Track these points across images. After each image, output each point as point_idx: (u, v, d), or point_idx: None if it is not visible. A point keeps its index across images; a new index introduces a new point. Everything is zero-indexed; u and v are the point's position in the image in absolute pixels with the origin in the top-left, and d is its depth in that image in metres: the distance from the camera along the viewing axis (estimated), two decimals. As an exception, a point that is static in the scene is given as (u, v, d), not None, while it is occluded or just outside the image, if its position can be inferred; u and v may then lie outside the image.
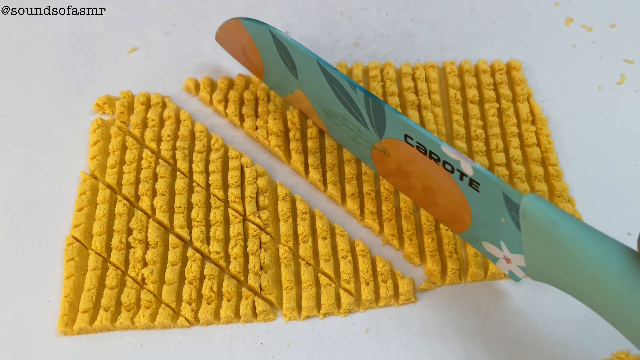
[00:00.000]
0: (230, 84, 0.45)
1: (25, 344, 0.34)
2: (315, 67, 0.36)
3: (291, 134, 0.41)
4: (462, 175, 0.31)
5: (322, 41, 0.49)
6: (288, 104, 0.43)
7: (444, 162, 0.32)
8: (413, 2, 0.51)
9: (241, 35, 0.41)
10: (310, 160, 0.40)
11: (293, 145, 0.41)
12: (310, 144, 0.41)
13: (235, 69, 0.47)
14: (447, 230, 0.37)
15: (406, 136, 0.33)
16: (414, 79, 0.45)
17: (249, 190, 0.39)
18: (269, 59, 0.40)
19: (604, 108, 0.44)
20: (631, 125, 0.43)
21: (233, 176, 0.39)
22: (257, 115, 0.43)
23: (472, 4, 0.51)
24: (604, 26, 0.49)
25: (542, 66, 0.47)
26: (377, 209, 0.39)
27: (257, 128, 0.42)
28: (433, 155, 0.32)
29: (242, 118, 0.43)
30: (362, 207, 0.39)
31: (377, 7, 0.51)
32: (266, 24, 0.38)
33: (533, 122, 0.43)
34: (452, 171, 0.32)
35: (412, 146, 0.33)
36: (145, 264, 0.36)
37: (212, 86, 0.45)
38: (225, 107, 0.44)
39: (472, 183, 0.31)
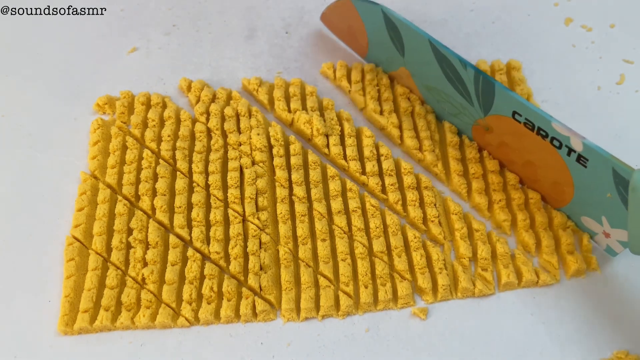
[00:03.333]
0: (214, 96, 0.44)
1: (25, 344, 0.34)
2: (426, 46, 0.38)
3: (275, 150, 0.41)
4: (571, 151, 0.33)
5: (322, 41, 0.49)
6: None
7: (552, 138, 0.34)
8: (413, 2, 0.51)
9: (350, 15, 0.43)
10: (294, 176, 0.40)
11: (277, 161, 0.41)
12: (293, 160, 0.41)
13: (235, 69, 0.47)
14: (434, 246, 0.37)
15: (514, 112, 0.35)
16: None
17: (249, 191, 0.39)
18: (375, 37, 0.42)
19: (604, 108, 0.44)
20: (631, 126, 0.43)
21: (232, 177, 0.39)
22: (239, 131, 0.42)
23: (472, 4, 0.51)
24: (604, 26, 0.49)
25: (542, 66, 0.47)
26: (365, 225, 0.38)
27: (240, 145, 0.42)
28: (541, 132, 0.34)
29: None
30: (349, 224, 0.38)
31: (377, 7, 0.51)
32: (378, 3, 0.40)
33: (533, 122, 0.43)
34: (559, 147, 0.34)
35: (519, 122, 0.35)
36: (145, 264, 0.36)
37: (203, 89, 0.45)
38: (207, 120, 0.43)
39: (580, 158, 0.33)
